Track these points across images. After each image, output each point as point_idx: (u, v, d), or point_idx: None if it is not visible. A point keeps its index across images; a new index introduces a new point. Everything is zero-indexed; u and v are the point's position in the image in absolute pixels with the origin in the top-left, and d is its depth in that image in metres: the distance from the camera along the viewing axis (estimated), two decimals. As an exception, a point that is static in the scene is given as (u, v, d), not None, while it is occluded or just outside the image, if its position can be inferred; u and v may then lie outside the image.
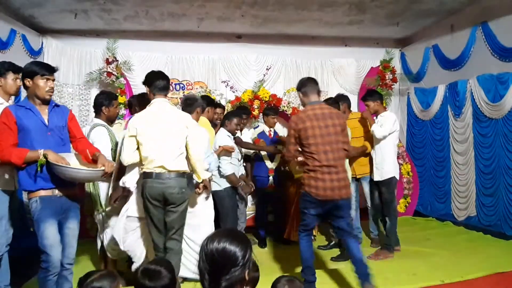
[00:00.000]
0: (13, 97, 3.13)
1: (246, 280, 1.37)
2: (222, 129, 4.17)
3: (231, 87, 6.04)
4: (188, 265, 3.36)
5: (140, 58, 5.79)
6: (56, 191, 2.58)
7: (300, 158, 3.14)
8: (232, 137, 4.20)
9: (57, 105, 2.71)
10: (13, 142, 2.46)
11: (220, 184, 3.99)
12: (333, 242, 4.45)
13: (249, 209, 4.98)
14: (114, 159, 3.21)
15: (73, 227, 2.69)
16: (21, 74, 2.76)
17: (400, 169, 5.14)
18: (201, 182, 3.24)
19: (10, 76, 2.91)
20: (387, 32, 6.07)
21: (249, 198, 5.03)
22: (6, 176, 2.77)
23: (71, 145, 2.76)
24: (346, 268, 3.80)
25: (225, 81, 6.04)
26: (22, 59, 4.27)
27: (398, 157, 5.07)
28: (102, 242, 3.40)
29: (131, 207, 3.13)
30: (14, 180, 2.83)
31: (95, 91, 5.32)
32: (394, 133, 4.18)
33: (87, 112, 5.68)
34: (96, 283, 1.68)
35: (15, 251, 2.99)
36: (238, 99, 5.79)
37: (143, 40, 5.80)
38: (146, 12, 5.08)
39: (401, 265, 3.79)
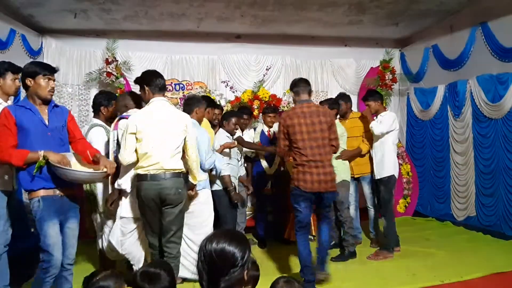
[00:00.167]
0: (12, 98, 3.13)
1: (245, 280, 1.37)
2: (221, 129, 4.17)
3: (231, 87, 6.04)
4: (188, 266, 3.36)
5: (140, 58, 5.79)
6: (57, 191, 2.57)
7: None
8: (231, 137, 4.20)
9: (56, 106, 2.71)
10: (12, 143, 2.45)
11: (219, 184, 3.98)
12: (333, 242, 4.44)
13: (249, 209, 4.97)
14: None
15: (73, 227, 2.69)
16: (20, 74, 2.75)
17: (399, 169, 5.14)
18: (195, 185, 3.22)
19: (9, 77, 2.90)
20: (386, 32, 6.07)
21: (249, 198, 5.03)
22: (6, 177, 2.76)
23: (70, 146, 2.75)
24: (346, 269, 3.81)
25: (224, 81, 6.04)
26: (21, 59, 4.27)
27: (397, 157, 5.08)
28: (101, 243, 3.40)
29: (124, 207, 3.08)
30: (13, 180, 2.82)
31: (94, 91, 5.30)
32: (393, 131, 4.19)
33: (87, 112, 5.68)
34: (102, 282, 1.69)
35: (14, 251, 2.98)
36: (237, 99, 5.79)
37: (142, 40, 5.80)
38: (146, 12, 5.08)
39: (401, 265, 3.79)
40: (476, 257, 3.97)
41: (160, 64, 5.77)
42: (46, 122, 2.57)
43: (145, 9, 4.99)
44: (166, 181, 2.86)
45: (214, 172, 3.81)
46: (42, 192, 2.52)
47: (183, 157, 3.04)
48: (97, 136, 3.30)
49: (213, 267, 1.34)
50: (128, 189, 3.02)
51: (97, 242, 3.48)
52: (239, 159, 4.43)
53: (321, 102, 4.50)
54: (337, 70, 6.44)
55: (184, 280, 3.38)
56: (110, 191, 3.21)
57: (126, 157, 2.88)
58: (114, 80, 5.46)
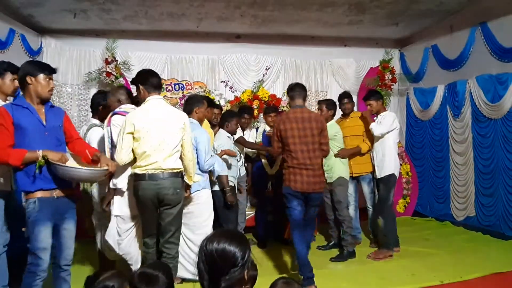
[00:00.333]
0: (10, 98, 3.12)
1: (245, 280, 1.37)
2: (221, 130, 4.15)
3: (231, 87, 6.04)
4: (187, 266, 3.35)
5: (139, 58, 5.79)
6: (55, 192, 2.53)
7: None
8: (232, 137, 4.20)
9: (52, 106, 2.67)
10: (10, 143, 2.41)
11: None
12: (333, 242, 4.45)
13: (249, 209, 4.97)
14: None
15: (69, 228, 2.64)
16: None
17: (399, 169, 5.14)
18: (190, 186, 3.20)
19: (8, 77, 2.89)
20: (386, 32, 6.07)
21: (249, 198, 5.03)
22: (1, 180, 2.73)
23: (66, 147, 2.72)
24: (345, 269, 3.81)
25: (224, 81, 6.04)
26: (21, 59, 4.21)
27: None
28: (100, 243, 3.39)
29: (117, 205, 3.01)
30: (11, 181, 2.80)
31: (94, 91, 5.28)
32: (394, 130, 4.19)
33: (86, 112, 5.67)
34: (108, 282, 1.68)
35: (14, 251, 2.97)
36: (237, 99, 5.79)
37: (142, 40, 5.80)
38: (146, 12, 5.08)
39: (400, 265, 3.80)
40: (475, 257, 3.97)
41: (159, 64, 5.77)
42: (44, 122, 2.54)
43: (145, 9, 4.99)
44: (164, 181, 2.84)
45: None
46: (39, 194, 2.47)
47: (179, 156, 3.01)
48: (96, 136, 3.28)
49: (214, 267, 1.34)
50: (124, 189, 2.99)
51: (96, 242, 3.47)
52: (239, 159, 4.43)
53: (319, 102, 4.51)
54: (337, 70, 6.44)
55: (183, 280, 3.38)
56: (106, 191, 3.19)
57: (123, 157, 2.83)
58: (113, 80, 5.45)
